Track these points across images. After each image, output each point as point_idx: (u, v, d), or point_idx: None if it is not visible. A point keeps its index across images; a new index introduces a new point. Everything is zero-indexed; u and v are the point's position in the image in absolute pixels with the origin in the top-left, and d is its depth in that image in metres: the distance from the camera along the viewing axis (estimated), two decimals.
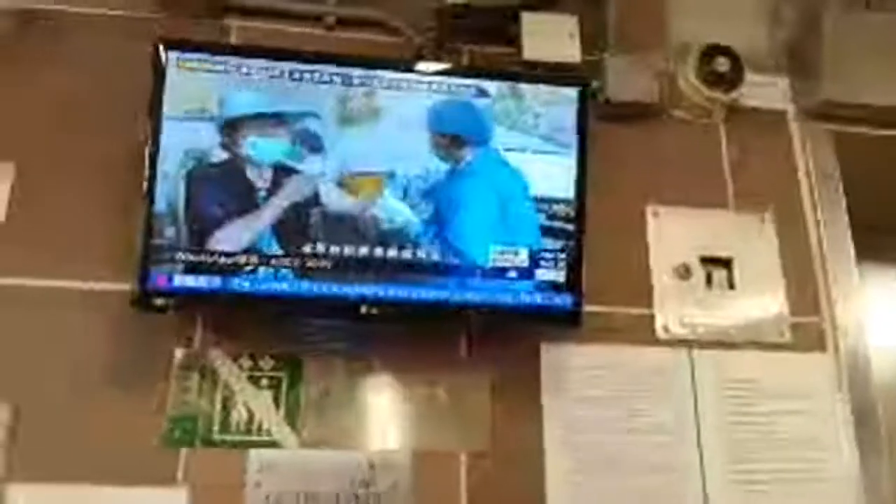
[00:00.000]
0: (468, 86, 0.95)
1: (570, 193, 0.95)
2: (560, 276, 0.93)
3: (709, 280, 1.06)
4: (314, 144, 0.91)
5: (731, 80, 1.10)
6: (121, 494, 0.88)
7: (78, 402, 0.91)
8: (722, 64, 1.08)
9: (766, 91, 1.16)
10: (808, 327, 1.06)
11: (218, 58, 0.92)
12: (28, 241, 0.95)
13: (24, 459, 0.88)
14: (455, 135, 0.94)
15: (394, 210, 0.92)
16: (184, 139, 0.90)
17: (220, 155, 0.90)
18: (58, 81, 1.02)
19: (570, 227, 0.94)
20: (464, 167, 0.94)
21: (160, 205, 0.88)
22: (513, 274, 0.93)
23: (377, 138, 0.93)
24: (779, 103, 1.16)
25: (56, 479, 0.88)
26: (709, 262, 1.06)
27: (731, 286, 1.06)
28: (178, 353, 0.94)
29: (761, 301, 1.06)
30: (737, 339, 1.04)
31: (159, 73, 0.91)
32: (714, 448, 0.98)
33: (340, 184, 0.91)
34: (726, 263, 1.07)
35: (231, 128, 0.90)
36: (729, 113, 1.14)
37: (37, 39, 1.04)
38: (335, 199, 0.91)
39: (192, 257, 0.88)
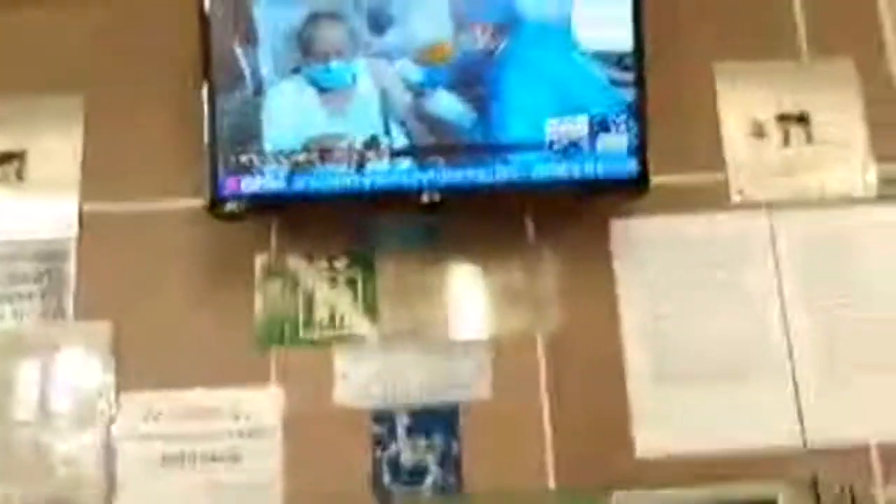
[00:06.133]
0: None
1: (627, 46, 0.91)
2: (623, 140, 0.90)
3: (786, 138, 1.00)
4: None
5: None
6: (221, 395, 0.94)
7: (171, 315, 0.96)
8: None
9: None
10: None
11: None
12: (107, 167, 1.00)
13: (128, 370, 0.94)
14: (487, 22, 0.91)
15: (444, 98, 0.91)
16: None
17: None
18: (117, 10, 1.04)
19: (630, 82, 0.90)
20: (503, 49, 0.91)
21: (222, 114, 0.90)
22: (573, 145, 0.90)
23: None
24: None
25: (159, 387, 0.94)
26: (785, 118, 1.00)
27: (810, 141, 1.00)
28: (258, 260, 0.98)
29: (844, 154, 1.00)
30: (820, 196, 0.99)
31: None
32: (799, 310, 0.95)
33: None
34: (804, 119, 1.00)
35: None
36: None
37: None
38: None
39: (255, 159, 0.90)
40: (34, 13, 1.04)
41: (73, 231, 0.98)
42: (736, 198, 0.99)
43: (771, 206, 0.98)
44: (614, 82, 0.91)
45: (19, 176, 1.00)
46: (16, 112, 1.02)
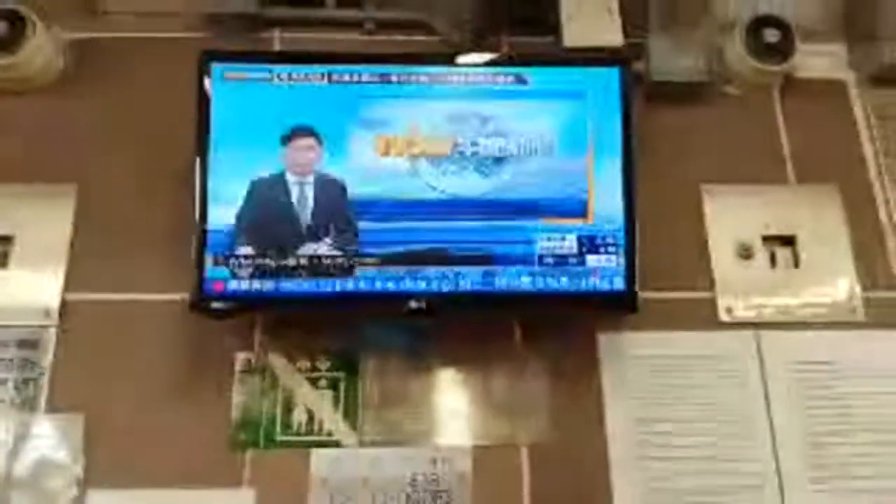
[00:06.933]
0: (506, 75, 0.94)
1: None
2: (612, 260, 0.91)
3: (773, 259, 1.02)
4: None
5: (782, 51, 1.05)
6: (190, 497, 0.90)
7: (146, 410, 0.94)
8: (771, 35, 1.04)
9: (821, 60, 1.11)
10: (882, 303, 1.01)
11: (262, 66, 0.93)
12: (92, 257, 0.99)
13: (98, 466, 0.91)
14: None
15: None
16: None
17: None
18: (115, 104, 1.06)
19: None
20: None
21: (213, 214, 0.91)
22: (562, 261, 0.91)
23: None
24: (837, 72, 1.12)
25: (128, 485, 0.90)
26: (771, 240, 1.02)
27: (797, 264, 1.02)
28: (238, 358, 0.96)
29: (830, 278, 1.01)
30: (806, 319, 0.99)
31: (203, 85, 0.93)
32: (787, 433, 0.94)
33: None
34: (790, 241, 1.02)
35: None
36: (784, 86, 1.10)
37: (96, 67, 1.09)
38: None
39: (244, 261, 0.90)
40: (36, 102, 1.06)
41: (54, 319, 0.96)
42: (724, 317, 0.99)
43: (758, 325, 0.99)
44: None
45: (4, 261, 0.99)
46: (7, 197, 1.01)
